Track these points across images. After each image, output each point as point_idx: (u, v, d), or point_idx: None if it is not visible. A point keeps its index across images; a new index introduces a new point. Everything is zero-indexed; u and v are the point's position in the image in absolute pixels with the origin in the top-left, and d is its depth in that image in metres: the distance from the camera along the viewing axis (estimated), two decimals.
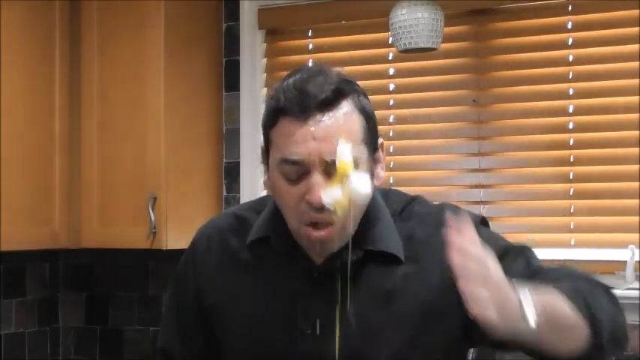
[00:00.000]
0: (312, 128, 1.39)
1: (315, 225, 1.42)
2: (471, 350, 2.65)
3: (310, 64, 1.47)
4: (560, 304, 1.30)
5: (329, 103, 1.40)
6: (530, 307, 1.25)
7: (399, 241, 1.49)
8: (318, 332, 1.47)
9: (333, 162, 1.38)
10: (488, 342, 1.37)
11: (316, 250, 1.46)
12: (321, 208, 1.39)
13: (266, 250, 1.54)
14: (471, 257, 1.23)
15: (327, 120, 1.39)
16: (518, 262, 1.45)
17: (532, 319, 1.24)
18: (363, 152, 1.43)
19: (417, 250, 1.49)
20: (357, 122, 1.42)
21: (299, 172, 1.41)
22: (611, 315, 1.36)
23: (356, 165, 1.39)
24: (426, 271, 1.47)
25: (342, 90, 1.41)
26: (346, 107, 1.41)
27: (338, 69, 1.47)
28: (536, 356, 1.34)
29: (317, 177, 1.39)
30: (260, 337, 1.52)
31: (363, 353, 1.46)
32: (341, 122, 1.40)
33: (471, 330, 1.35)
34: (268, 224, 1.55)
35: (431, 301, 1.46)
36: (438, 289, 1.45)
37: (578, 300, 1.32)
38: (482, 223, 1.52)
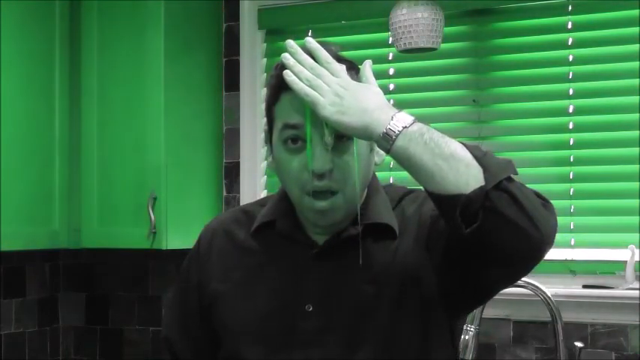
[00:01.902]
0: None
1: (317, 195, 1.46)
2: (472, 351, 2.66)
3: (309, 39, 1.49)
4: (448, 140, 1.37)
5: None
6: (403, 118, 1.36)
7: (395, 220, 1.54)
8: (317, 310, 1.51)
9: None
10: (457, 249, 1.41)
11: (319, 222, 1.50)
12: (322, 176, 1.44)
13: (270, 236, 1.59)
14: (304, 63, 1.41)
15: None
16: None
17: (401, 125, 1.36)
18: None
19: (405, 225, 1.54)
20: None
21: (299, 137, 1.45)
22: (518, 185, 1.37)
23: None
24: (409, 242, 1.53)
25: (341, 61, 1.46)
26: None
27: (336, 47, 1.51)
28: (429, 184, 1.37)
29: (317, 145, 1.44)
30: (263, 317, 1.54)
31: (355, 327, 1.50)
32: None
33: (445, 277, 1.46)
34: (273, 209, 1.60)
35: (410, 267, 1.50)
36: (413, 254, 1.51)
37: (478, 152, 1.37)
38: None
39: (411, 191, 1.61)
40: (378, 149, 1.52)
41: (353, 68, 1.50)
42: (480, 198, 1.32)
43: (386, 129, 1.36)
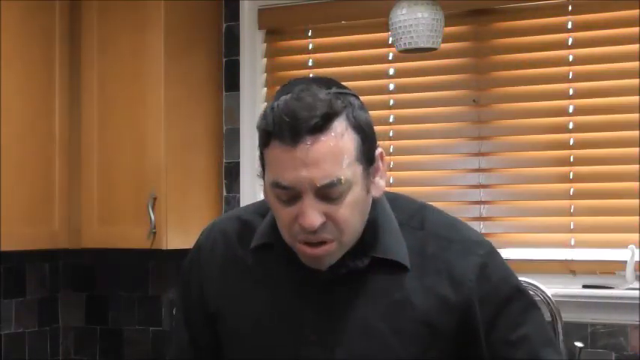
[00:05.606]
0: (302, 154, 1.36)
1: (309, 243, 1.41)
2: None
3: (300, 80, 1.43)
4: None
5: (319, 128, 1.36)
6: None
7: (405, 249, 1.48)
8: (321, 340, 1.47)
9: (324, 186, 1.36)
10: None
11: (313, 265, 1.45)
12: (314, 231, 1.38)
13: (270, 255, 1.53)
14: None
15: (318, 144, 1.36)
16: (514, 317, 1.49)
17: None
18: (358, 170, 1.40)
19: (426, 262, 1.48)
20: (350, 141, 1.38)
21: (290, 195, 1.39)
22: None
23: (350, 184, 1.39)
24: (432, 285, 1.47)
25: (334, 109, 1.37)
26: (338, 127, 1.37)
27: (332, 79, 1.44)
28: None
29: (308, 201, 1.38)
30: (263, 343, 1.51)
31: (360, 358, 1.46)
32: (332, 145, 1.36)
33: (466, 351, 1.46)
34: (271, 231, 1.52)
35: (432, 314, 1.46)
36: (441, 304, 1.46)
37: None
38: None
39: (423, 206, 1.55)
40: (377, 181, 1.45)
41: (351, 105, 1.40)
42: None
43: None
